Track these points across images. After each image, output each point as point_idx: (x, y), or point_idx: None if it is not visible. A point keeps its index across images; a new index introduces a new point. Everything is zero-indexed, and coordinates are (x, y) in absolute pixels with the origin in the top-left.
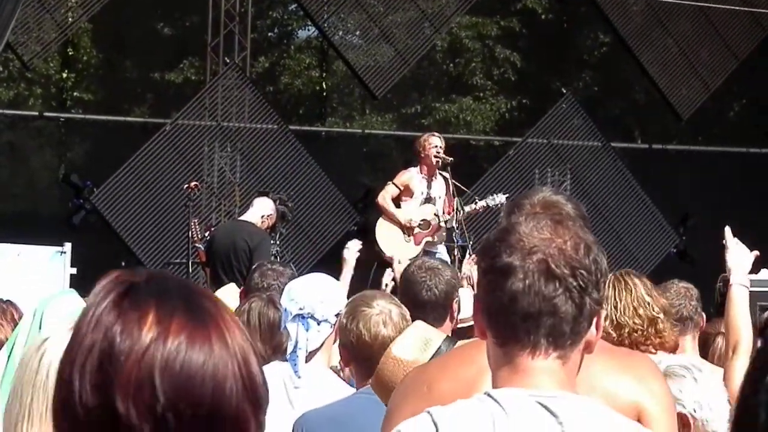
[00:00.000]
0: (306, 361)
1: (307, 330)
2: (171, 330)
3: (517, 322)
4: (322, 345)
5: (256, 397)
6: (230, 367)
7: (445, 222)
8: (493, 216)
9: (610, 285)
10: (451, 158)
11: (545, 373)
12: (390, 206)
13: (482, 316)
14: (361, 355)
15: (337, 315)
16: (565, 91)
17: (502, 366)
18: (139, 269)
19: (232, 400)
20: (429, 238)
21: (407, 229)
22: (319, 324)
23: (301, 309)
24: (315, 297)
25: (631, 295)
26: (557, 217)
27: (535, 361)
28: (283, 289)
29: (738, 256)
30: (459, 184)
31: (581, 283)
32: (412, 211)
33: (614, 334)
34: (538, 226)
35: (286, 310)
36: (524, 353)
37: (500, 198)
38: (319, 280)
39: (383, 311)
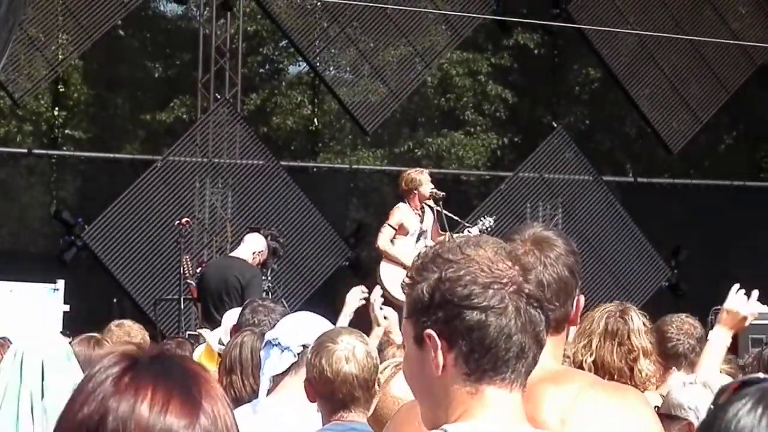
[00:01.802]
0: (274, 386)
1: (269, 356)
2: (169, 409)
3: (510, 359)
4: (288, 372)
5: None
6: None
7: None
8: None
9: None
10: (443, 193)
11: (509, 407)
12: (392, 250)
13: (452, 350)
14: (324, 391)
15: (303, 345)
16: (556, 126)
17: (464, 398)
18: (144, 349)
19: None
20: None
21: None
22: (282, 351)
23: (272, 337)
24: (286, 327)
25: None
26: (505, 245)
27: (511, 394)
28: (274, 326)
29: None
30: (452, 215)
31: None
32: (410, 250)
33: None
34: (499, 256)
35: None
36: (501, 387)
37: (488, 221)
38: (302, 314)
39: (347, 348)
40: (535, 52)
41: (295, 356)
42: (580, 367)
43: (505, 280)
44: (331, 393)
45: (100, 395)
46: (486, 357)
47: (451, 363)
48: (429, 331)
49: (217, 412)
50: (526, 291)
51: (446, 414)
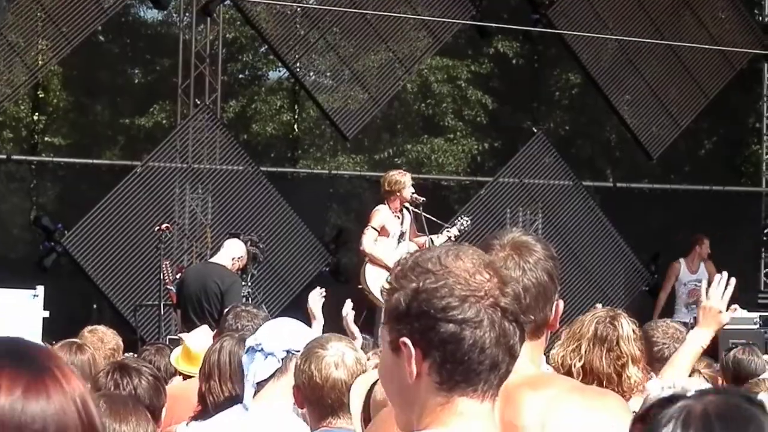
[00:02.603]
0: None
1: (252, 362)
2: (2, 387)
3: (482, 372)
4: (272, 378)
5: None
6: (70, 412)
7: None
8: None
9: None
10: (423, 198)
11: (481, 417)
12: (377, 253)
13: (426, 360)
14: (312, 397)
15: (287, 351)
16: (536, 131)
17: (435, 407)
18: None
19: None
20: None
21: None
22: (266, 357)
23: (255, 343)
24: (269, 331)
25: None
26: (485, 256)
27: (482, 404)
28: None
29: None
30: (434, 218)
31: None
32: (392, 252)
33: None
34: (478, 267)
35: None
36: (473, 398)
37: (465, 221)
38: (282, 320)
39: (337, 354)
40: (515, 57)
41: (279, 361)
42: (569, 371)
43: (481, 293)
44: (320, 399)
45: None
46: (459, 369)
47: (424, 372)
48: (404, 339)
49: (67, 383)
50: (502, 304)
51: (418, 420)
